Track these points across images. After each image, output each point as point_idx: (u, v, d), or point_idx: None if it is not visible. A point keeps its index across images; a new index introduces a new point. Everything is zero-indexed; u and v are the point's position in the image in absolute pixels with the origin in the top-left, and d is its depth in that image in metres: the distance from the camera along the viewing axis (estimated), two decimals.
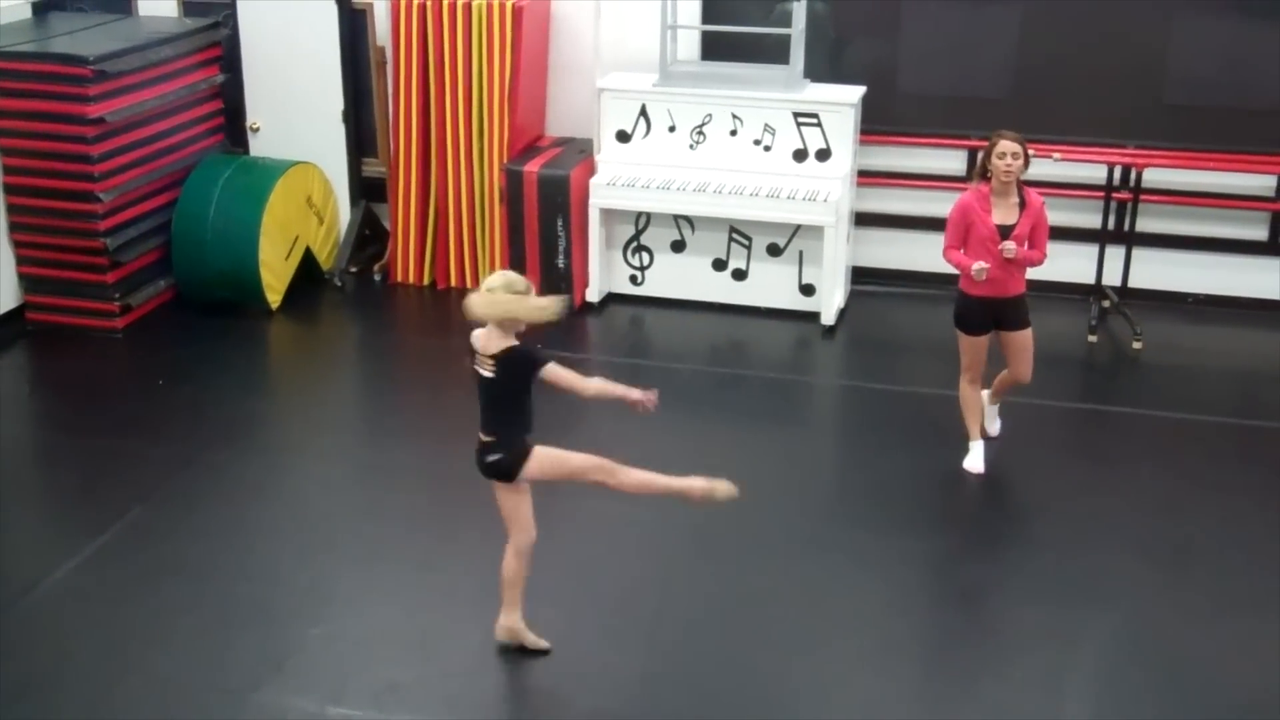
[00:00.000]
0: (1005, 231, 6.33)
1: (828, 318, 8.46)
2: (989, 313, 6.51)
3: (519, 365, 4.90)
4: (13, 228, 8.19)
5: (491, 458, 5.02)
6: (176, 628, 5.50)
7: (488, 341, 4.93)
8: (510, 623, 5.28)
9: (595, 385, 4.98)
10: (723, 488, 5.08)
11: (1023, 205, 6.37)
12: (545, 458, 5.03)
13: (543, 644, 5.29)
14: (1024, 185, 6.41)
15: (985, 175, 6.36)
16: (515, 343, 4.90)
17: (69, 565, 5.90)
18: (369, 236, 9.44)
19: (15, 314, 8.32)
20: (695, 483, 5.08)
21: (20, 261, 8.27)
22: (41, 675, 5.21)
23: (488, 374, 4.94)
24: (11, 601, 5.66)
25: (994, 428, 6.98)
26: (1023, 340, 6.57)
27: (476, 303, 4.87)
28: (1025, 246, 6.36)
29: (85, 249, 8.12)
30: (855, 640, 5.45)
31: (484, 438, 5.03)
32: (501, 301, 4.83)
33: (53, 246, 8.17)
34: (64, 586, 5.78)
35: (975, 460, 6.71)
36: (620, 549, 6.07)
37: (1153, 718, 5.00)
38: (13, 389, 7.84)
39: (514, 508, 5.12)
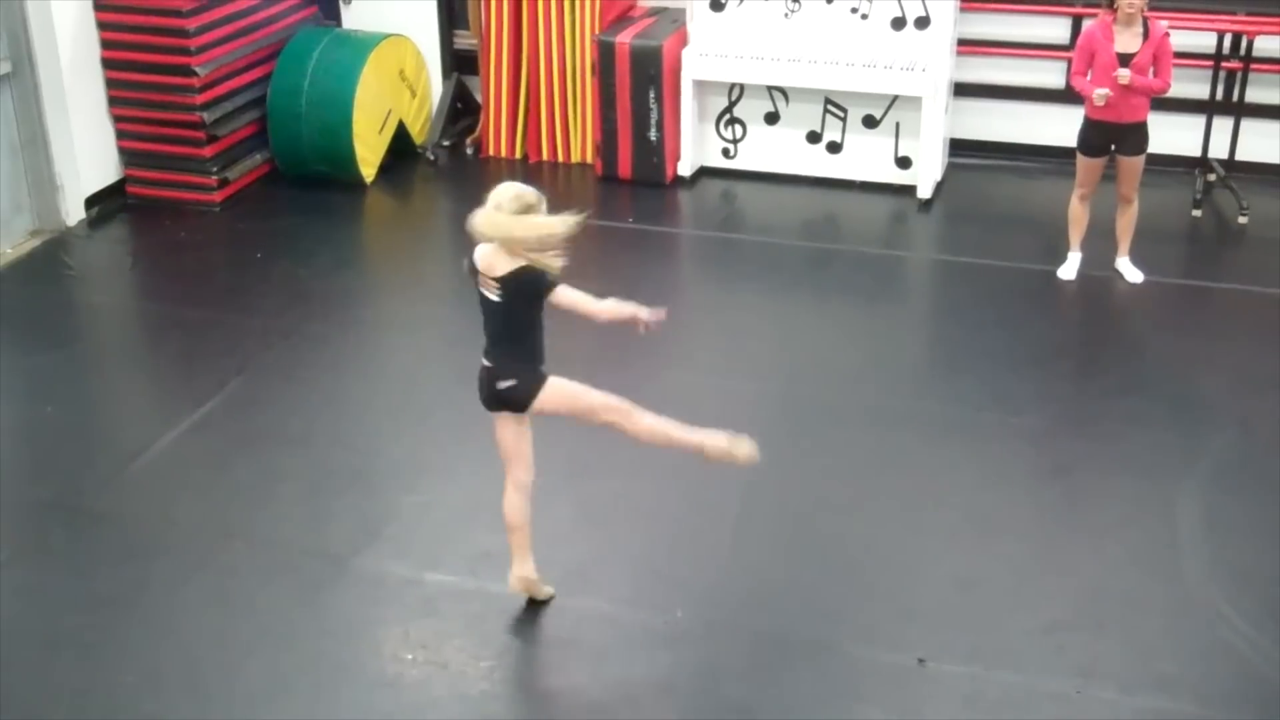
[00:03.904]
0: (1125, 60, 6.78)
1: (924, 191, 8.33)
2: (1108, 136, 6.98)
3: (527, 287, 4.47)
4: (112, 102, 8.28)
5: (504, 385, 4.59)
6: (277, 494, 5.64)
7: (493, 261, 4.48)
8: (524, 572, 4.90)
9: (608, 307, 4.49)
10: (744, 448, 4.67)
11: (1146, 35, 6.81)
12: (562, 390, 4.61)
13: (549, 591, 4.96)
14: (1149, 16, 6.83)
15: (1112, 5, 6.80)
16: (524, 263, 4.44)
17: (173, 433, 6.05)
18: (461, 110, 9.41)
19: (116, 188, 8.44)
20: (715, 439, 4.65)
21: (120, 136, 8.37)
22: (148, 538, 5.39)
23: (494, 297, 4.52)
24: (119, 468, 5.83)
25: (1137, 277, 7.25)
26: (1133, 165, 7.06)
27: (479, 221, 4.44)
28: (1150, 75, 6.80)
29: (183, 123, 8.21)
30: (947, 514, 5.45)
31: (488, 364, 4.63)
32: (503, 223, 4.41)
33: (151, 121, 8.26)
34: (168, 454, 5.93)
35: (1069, 269, 7.30)
36: (709, 421, 6.06)
37: (1245, 594, 4.96)
38: (115, 262, 7.99)
39: (517, 442, 4.72)
